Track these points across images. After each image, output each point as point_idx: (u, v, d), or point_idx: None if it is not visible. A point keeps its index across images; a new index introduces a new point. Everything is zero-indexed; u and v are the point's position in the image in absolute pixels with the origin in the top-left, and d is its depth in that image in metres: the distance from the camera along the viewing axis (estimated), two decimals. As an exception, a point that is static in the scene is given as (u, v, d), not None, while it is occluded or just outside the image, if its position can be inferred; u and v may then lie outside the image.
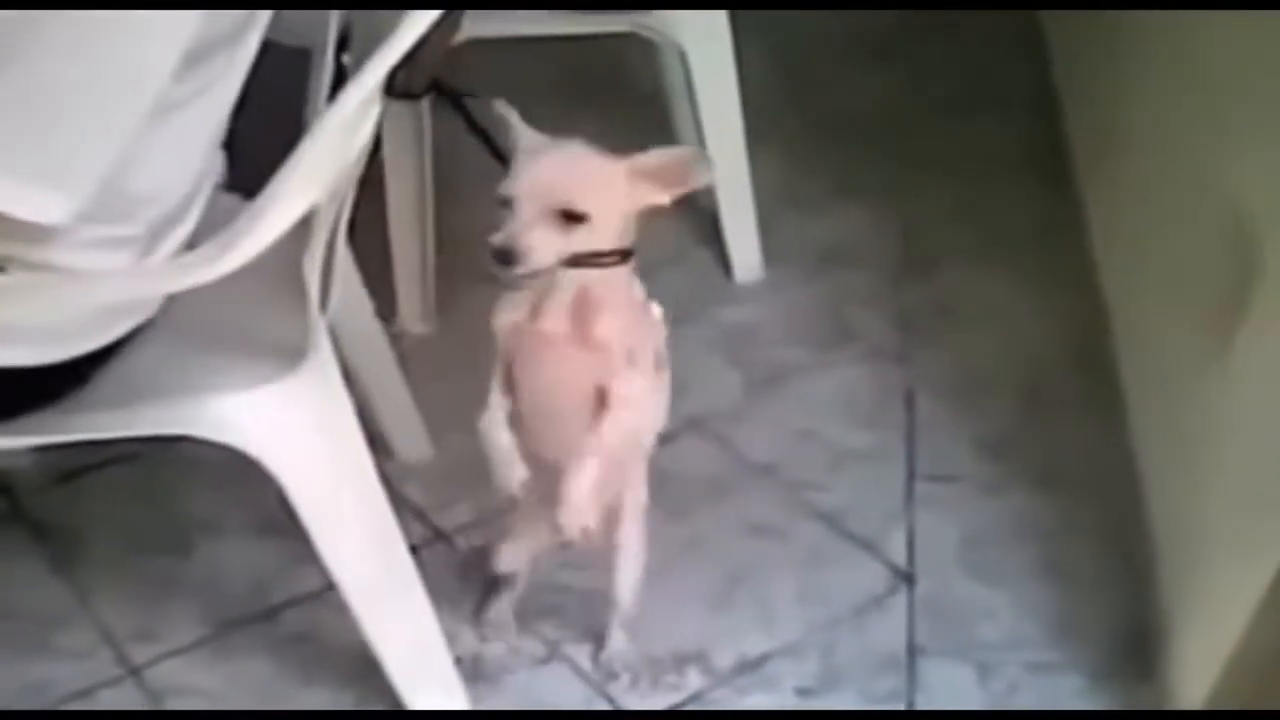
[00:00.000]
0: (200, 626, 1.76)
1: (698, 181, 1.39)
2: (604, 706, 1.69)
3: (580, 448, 1.44)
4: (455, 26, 1.79)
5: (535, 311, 1.42)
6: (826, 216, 2.52)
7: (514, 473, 1.47)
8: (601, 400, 1.43)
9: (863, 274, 2.41)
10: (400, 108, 1.98)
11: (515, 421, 1.48)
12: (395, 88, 1.30)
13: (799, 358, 2.23)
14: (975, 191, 2.59)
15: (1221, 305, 1.67)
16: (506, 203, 1.35)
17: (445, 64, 1.79)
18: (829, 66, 2.93)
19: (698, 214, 2.37)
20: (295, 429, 1.41)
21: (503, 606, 1.74)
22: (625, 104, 2.52)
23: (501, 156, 1.50)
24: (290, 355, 1.41)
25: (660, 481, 1.65)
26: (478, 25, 1.93)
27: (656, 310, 1.49)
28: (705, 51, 2.18)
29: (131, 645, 1.73)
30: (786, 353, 2.24)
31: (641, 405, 1.46)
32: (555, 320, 1.41)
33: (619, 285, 1.42)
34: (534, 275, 1.36)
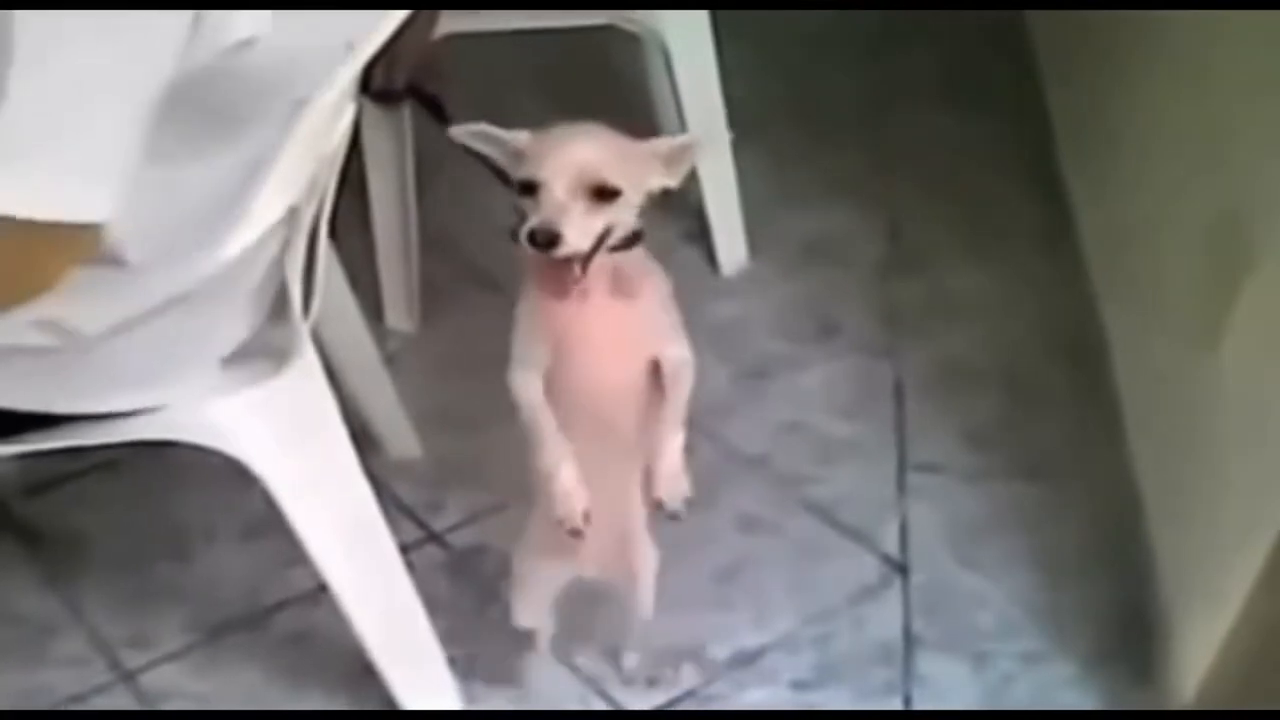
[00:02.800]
0: (192, 631, 1.75)
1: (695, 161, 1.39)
2: (600, 703, 1.68)
3: (663, 419, 1.38)
4: (432, 23, 1.78)
5: (578, 295, 1.35)
6: (814, 212, 2.51)
7: (579, 505, 1.38)
8: (655, 373, 1.39)
9: (849, 268, 2.40)
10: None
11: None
12: (374, 85, 1.29)
13: (786, 351, 2.22)
14: (962, 187, 2.58)
15: (1211, 296, 1.67)
16: (530, 188, 1.30)
17: (423, 62, 1.78)
18: (817, 64, 2.92)
19: (683, 209, 2.36)
20: (280, 432, 1.41)
21: (540, 658, 1.68)
22: (607, 98, 2.51)
23: (481, 157, 1.48)
24: (274, 358, 1.40)
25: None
26: (456, 21, 1.92)
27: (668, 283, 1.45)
28: (687, 45, 2.17)
29: (124, 651, 1.72)
30: (774, 346, 2.23)
31: (693, 369, 1.41)
32: (600, 297, 1.35)
33: (644, 259, 1.40)
34: (572, 257, 1.30)
